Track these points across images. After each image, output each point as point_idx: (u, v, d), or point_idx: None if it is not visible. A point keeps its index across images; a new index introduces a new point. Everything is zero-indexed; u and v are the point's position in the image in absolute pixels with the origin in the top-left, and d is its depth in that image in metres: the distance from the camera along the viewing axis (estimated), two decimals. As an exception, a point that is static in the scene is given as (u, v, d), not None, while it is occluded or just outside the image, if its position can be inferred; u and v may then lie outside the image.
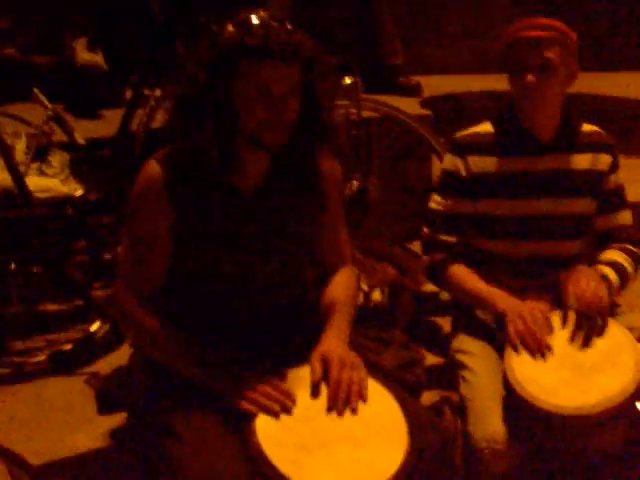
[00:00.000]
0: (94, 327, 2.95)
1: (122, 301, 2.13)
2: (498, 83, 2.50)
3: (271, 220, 2.15)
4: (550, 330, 2.35)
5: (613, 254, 2.57)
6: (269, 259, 2.16)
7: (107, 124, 3.65)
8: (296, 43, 1.97)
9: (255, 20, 1.97)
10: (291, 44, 1.96)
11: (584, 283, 2.38)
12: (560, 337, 2.35)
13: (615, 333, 2.36)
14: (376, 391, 2.08)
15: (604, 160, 2.57)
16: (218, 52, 1.98)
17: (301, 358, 2.11)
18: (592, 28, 4.84)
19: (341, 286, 2.30)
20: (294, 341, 2.19)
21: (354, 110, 3.52)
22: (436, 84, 4.82)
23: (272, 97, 1.97)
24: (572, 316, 2.37)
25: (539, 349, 2.31)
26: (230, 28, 1.97)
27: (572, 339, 2.34)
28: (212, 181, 2.07)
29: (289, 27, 1.99)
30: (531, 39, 2.40)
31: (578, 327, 2.35)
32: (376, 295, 3.03)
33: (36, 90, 3.22)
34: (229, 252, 2.11)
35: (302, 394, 2.03)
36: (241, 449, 1.92)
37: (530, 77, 2.41)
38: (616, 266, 2.52)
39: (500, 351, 2.39)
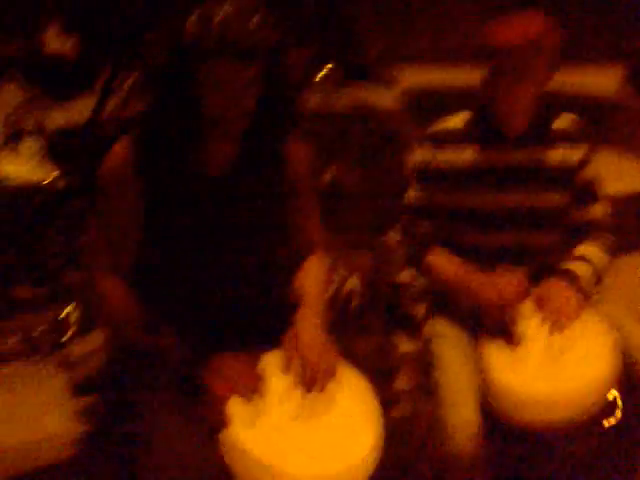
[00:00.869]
0: (66, 311, 2.92)
1: (96, 281, 2.11)
2: (474, 75, 2.49)
3: (238, 202, 2.14)
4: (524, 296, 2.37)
5: (587, 249, 2.56)
6: (237, 242, 2.15)
7: (82, 110, 3.61)
8: (255, 43, 1.95)
9: (216, 17, 1.93)
10: (249, 44, 1.94)
11: (553, 299, 2.40)
12: (534, 324, 2.36)
13: (591, 321, 2.37)
14: (352, 378, 2.08)
15: (577, 153, 2.56)
16: (178, 46, 1.97)
17: (272, 341, 2.12)
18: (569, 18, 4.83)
19: (312, 272, 2.32)
20: (266, 324, 2.18)
21: (331, 101, 3.52)
22: (414, 74, 4.82)
23: (226, 91, 1.96)
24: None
25: (513, 337, 2.31)
26: (191, 23, 1.95)
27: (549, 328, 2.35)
28: (179, 163, 2.07)
29: (254, 23, 1.96)
30: (506, 45, 2.37)
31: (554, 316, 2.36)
32: (352, 283, 3.03)
33: (10, 76, 3.19)
34: (197, 233, 2.10)
35: (274, 377, 2.04)
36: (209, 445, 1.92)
37: (504, 82, 2.40)
38: (588, 261, 2.52)
39: (476, 336, 2.40)
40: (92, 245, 2.17)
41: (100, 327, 2.68)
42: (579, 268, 2.50)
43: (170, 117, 2.03)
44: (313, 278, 2.30)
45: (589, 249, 2.56)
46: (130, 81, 3.38)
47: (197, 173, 2.09)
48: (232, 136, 2.07)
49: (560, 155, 2.55)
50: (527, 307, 2.39)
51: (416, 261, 2.59)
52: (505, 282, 2.39)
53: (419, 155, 2.60)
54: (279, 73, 2.05)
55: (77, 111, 3.67)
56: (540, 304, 2.40)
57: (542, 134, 2.55)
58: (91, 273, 2.14)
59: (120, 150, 2.06)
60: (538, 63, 2.39)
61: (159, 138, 2.05)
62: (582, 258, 2.54)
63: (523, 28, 2.38)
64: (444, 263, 2.54)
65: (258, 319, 2.19)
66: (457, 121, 2.57)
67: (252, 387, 1.98)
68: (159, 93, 2.05)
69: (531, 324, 2.36)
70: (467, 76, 2.58)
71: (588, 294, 2.49)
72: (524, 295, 2.39)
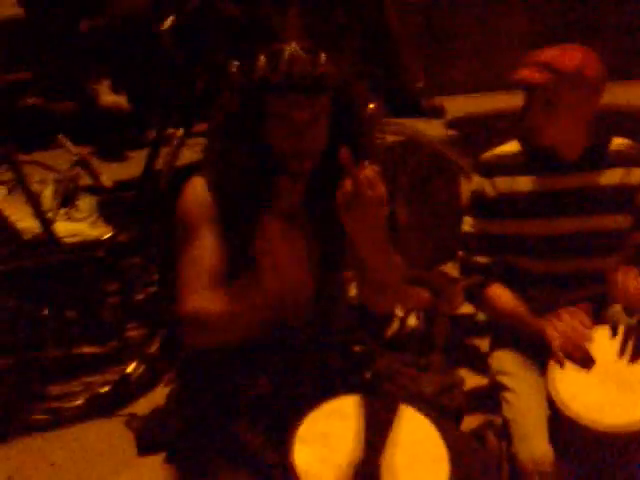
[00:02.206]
0: (130, 368, 2.94)
1: (191, 304, 1.99)
2: (520, 100, 2.48)
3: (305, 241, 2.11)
4: (590, 336, 2.31)
5: None
6: None
7: (133, 165, 3.66)
8: (321, 76, 1.97)
9: (285, 54, 1.97)
10: (315, 78, 1.96)
11: (632, 279, 2.33)
12: (604, 351, 2.31)
13: None
14: (415, 419, 2.05)
15: (636, 174, 2.52)
16: (247, 84, 2.00)
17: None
18: (616, 37, 4.77)
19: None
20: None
21: (378, 134, 3.51)
22: (460, 104, 4.79)
23: (294, 126, 1.97)
24: (621, 330, 2.34)
25: (582, 357, 2.27)
26: (260, 61, 1.99)
27: (620, 353, 2.30)
28: (248, 202, 2.05)
29: (321, 59, 1.98)
30: (529, 83, 2.38)
31: (626, 340, 2.31)
32: (411, 320, 3.00)
33: (61, 136, 3.25)
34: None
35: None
36: None
37: (530, 115, 2.41)
38: None
39: (542, 367, 2.36)
40: (180, 277, 2.07)
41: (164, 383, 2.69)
42: None
43: (240, 156, 2.03)
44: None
45: None
46: (180, 132, 3.42)
47: (267, 209, 2.09)
48: (301, 173, 2.05)
49: (618, 177, 2.51)
50: (599, 332, 2.34)
51: (475, 295, 2.56)
52: (569, 325, 2.34)
53: (472, 185, 2.58)
54: (347, 110, 2.05)
55: (129, 167, 3.72)
56: (621, 285, 2.33)
57: (598, 157, 2.52)
58: (183, 303, 2.03)
59: (198, 184, 2.08)
60: (567, 96, 2.36)
61: (230, 177, 2.06)
62: None
63: (551, 64, 2.36)
64: (504, 296, 2.51)
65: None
66: (509, 149, 2.56)
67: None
68: (227, 134, 2.05)
69: (600, 350, 2.31)
70: (513, 103, 2.55)
71: None
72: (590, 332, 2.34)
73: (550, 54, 2.38)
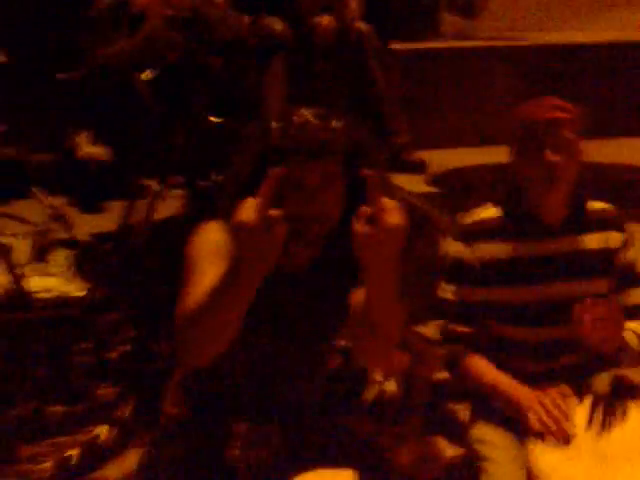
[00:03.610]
0: (101, 431, 2.87)
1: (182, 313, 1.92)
2: (502, 156, 2.46)
3: (308, 300, 2.11)
4: (572, 415, 2.28)
5: (632, 325, 2.48)
6: (300, 341, 2.14)
7: (112, 217, 3.61)
8: (331, 141, 1.96)
9: (295, 120, 1.98)
10: (325, 143, 1.95)
11: (598, 316, 2.24)
12: (581, 424, 2.29)
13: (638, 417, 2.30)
14: None
15: (614, 237, 2.52)
16: (259, 149, 2.01)
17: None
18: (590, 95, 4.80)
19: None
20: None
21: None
22: (441, 159, 4.78)
23: (305, 190, 1.96)
24: (587, 401, 2.33)
25: (562, 436, 2.24)
26: (272, 128, 2.00)
27: (588, 425, 2.29)
28: None
29: (332, 124, 1.98)
30: (550, 120, 2.37)
31: (595, 411, 2.31)
32: (390, 386, 2.95)
33: (35, 189, 3.22)
34: (267, 327, 2.07)
35: None
36: None
37: (552, 157, 2.36)
38: (637, 334, 2.46)
39: (522, 438, 2.32)
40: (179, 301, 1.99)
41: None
42: (630, 337, 2.43)
43: None
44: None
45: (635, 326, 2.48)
46: (157, 185, 3.40)
47: (276, 269, 2.03)
48: (312, 239, 2.01)
49: (599, 240, 2.50)
50: (574, 404, 2.33)
51: (454, 365, 2.53)
52: (552, 397, 2.33)
53: (452, 252, 2.55)
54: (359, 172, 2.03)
55: (107, 219, 3.68)
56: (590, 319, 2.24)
57: (578, 222, 2.51)
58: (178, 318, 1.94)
59: (214, 225, 2.06)
60: (565, 139, 2.36)
61: None
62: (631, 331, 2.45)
63: (562, 105, 2.39)
64: (482, 368, 2.48)
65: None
66: (489, 214, 2.53)
67: None
68: (243, 193, 2.02)
69: (580, 422, 2.28)
70: (495, 158, 2.54)
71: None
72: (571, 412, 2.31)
73: (554, 100, 2.41)
